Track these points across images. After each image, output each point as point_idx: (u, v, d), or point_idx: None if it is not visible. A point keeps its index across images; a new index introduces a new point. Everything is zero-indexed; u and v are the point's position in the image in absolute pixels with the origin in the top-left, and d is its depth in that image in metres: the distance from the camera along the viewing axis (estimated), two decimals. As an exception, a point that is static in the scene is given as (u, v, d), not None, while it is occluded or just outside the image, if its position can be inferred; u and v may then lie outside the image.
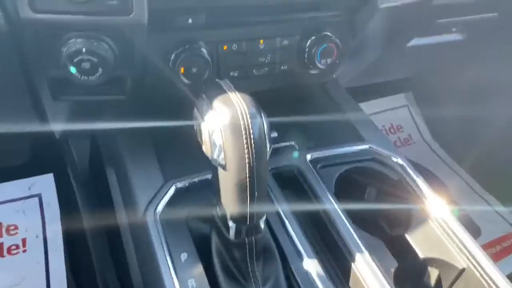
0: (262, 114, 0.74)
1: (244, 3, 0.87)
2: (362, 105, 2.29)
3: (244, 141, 0.70)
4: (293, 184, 0.99)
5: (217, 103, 0.73)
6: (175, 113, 1.02)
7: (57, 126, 1.20)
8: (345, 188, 1.01)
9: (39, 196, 1.79)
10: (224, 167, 0.72)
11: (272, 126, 1.07)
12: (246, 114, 0.71)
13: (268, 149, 0.74)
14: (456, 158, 2.28)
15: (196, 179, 0.93)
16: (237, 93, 0.74)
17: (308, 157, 1.02)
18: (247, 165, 0.71)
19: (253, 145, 0.70)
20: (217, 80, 0.79)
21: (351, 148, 1.06)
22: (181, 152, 0.96)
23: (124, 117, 1.11)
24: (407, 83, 2.37)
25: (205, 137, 0.73)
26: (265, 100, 1.09)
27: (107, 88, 0.95)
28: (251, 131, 0.70)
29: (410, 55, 1.49)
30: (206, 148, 0.74)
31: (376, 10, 0.98)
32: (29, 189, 1.80)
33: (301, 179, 0.98)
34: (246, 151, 0.70)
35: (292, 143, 1.06)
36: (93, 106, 1.09)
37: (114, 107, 1.07)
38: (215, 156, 0.73)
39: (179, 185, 0.93)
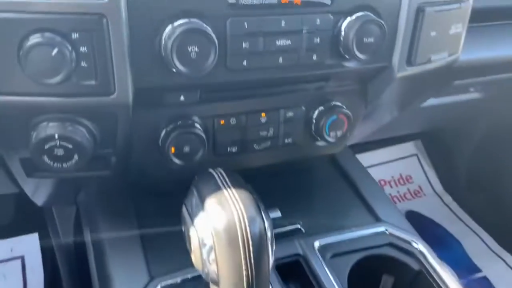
0: (264, 215, 0.62)
1: (244, 80, 0.76)
2: (369, 154, 2.21)
3: (242, 253, 0.58)
4: (299, 277, 0.86)
5: (210, 203, 0.61)
6: (166, 192, 0.91)
7: (36, 198, 1.08)
8: (359, 280, 0.88)
9: (22, 259, 1.65)
10: (216, 283, 0.60)
11: (274, 204, 0.97)
12: (243, 218, 0.59)
13: (271, 260, 0.62)
14: (470, 212, 2.14)
15: (188, 275, 0.81)
16: (233, 189, 0.62)
17: (316, 244, 0.89)
18: (244, 283, 0.58)
19: (252, 258, 0.59)
20: (210, 170, 0.68)
21: (365, 231, 0.93)
22: (171, 240, 0.84)
23: (109, 190, 1.01)
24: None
25: (194, 246, 0.61)
26: (266, 173, 0.99)
27: (89, 164, 0.84)
28: (250, 241, 0.58)
29: (422, 113, 1.39)
30: (195, 259, 0.62)
31: (393, 79, 0.88)
32: (11, 250, 1.67)
33: (309, 271, 0.85)
34: (244, 266, 0.58)
35: (298, 225, 0.94)
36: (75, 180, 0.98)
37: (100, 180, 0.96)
38: (206, 270, 0.61)
39: (167, 282, 0.80)
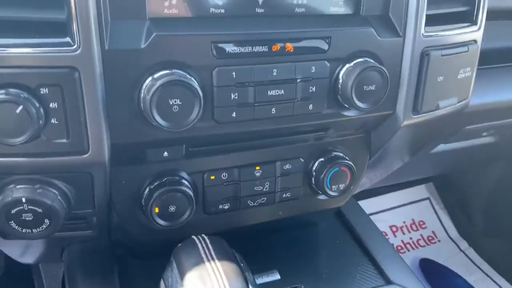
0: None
1: (234, 132, 0.70)
2: (379, 199, 2.11)
3: None
4: None
5: (190, 278, 0.53)
6: (152, 253, 0.83)
7: (20, 257, 1.01)
8: None
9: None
10: None
11: (272, 265, 0.88)
12: (228, 296, 0.51)
13: None
14: (488, 259, 2.01)
15: None
16: (216, 261, 0.55)
17: (320, 313, 0.80)
18: None
19: None
20: (193, 237, 0.60)
21: (375, 295, 0.84)
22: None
23: (94, 248, 0.93)
24: (427, 173, 2.17)
25: (172, 329, 0.53)
26: (263, 228, 0.91)
27: (70, 224, 0.77)
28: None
29: (432, 158, 1.31)
30: None
31: (398, 128, 0.81)
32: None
33: None
34: None
35: (300, 288, 0.85)
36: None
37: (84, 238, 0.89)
38: None
39: None
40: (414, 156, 1.12)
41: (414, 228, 2.13)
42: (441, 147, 1.18)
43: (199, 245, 0.57)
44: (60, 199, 0.64)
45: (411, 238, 2.09)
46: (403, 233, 2.10)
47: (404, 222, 2.12)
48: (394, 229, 2.10)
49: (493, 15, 0.89)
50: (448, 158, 1.32)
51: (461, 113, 0.93)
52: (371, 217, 2.16)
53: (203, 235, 0.60)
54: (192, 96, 0.62)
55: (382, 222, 2.06)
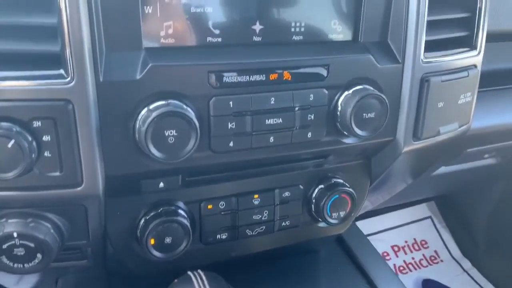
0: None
1: (231, 161, 0.68)
2: (380, 218, 2.09)
3: None
4: None
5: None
6: (148, 284, 0.81)
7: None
8: None
9: None
10: None
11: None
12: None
13: None
14: (492, 279, 1.98)
15: None
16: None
17: None
18: None
19: None
20: (188, 273, 0.58)
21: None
22: None
23: (89, 278, 0.91)
24: (428, 192, 2.14)
25: None
26: (262, 257, 0.88)
27: (64, 254, 0.75)
28: None
29: (433, 180, 1.29)
30: None
31: (399, 154, 0.80)
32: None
33: None
34: None
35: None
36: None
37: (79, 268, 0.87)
38: None
39: None
40: (416, 179, 1.11)
41: (416, 247, 2.10)
42: (442, 169, 1.16)
43: (195, 282, 0.55)
44: (53, 233, 0.62)
45: (413, 258, 2.06)
46: (405, 253, 2.07)
47: (406, 242, 2.09)
48: (396, 249, 2.07)
49: (492, 37, 0.89)
50: (449, 179, 1.30)
51: (462, 137, 0.92)
52: (372, 237, 2.14)
53: (199, 270, 0.58)
54: (188, 127, 0.60)
55: (383, 242, 2.03)
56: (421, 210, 2.21)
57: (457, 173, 1.23)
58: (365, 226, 2.01)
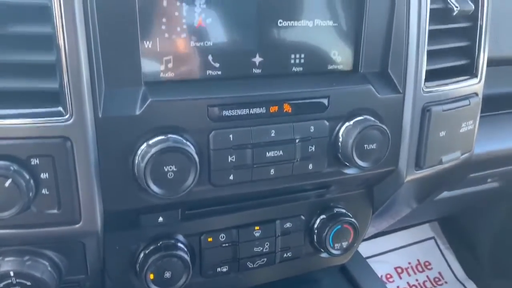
0: None
1: (231, 194, 0.68)
2: (383, 239, 2.06)
3: None
4: None
5: None
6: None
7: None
8: None
9: None
10: None
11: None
12: None
13: None
14: (499, 302, 1.94)
15: None
16: None
17: None
18: None
19: None
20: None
21: None
22: None
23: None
24: (431, 212, 2.12)
25: None
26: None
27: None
28: None
29: (437, 204, 1.28)
30: None
31: (401, 184, 0.79)
32: None
33: None
34: None
35: None
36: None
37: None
38: None
39: None
40: (419, 204, 1.10)
41: (420, 269, 2.07)
42: (445, 193, 1.15)
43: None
44: (50, 270, 0.61)
45: (417, 280, 2.03)
46: (409, 275, 2.04)
47: (409, 263, 2.07)
48: (399, 270, 2.04)
49: (493, 62, 0.88)
50: (452, 202, 1.29)
51: (465, 163, 0.91)
52: (375, 258, 2.11)
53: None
54: (188, 162, 0.60)
55: (386, 264, 2.00)
56: (424, 230, 2.18)
57: (460, 196, 1.22)
58: (368, 247, 1.99)
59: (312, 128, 0.69)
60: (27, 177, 0.54)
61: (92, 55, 0.57)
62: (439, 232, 2.18)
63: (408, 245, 2.11)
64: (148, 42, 0.62)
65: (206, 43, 0.65)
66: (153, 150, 0.58)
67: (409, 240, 2.13)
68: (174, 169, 0.59)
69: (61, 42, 0.54)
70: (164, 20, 0.62)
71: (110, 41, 0.58)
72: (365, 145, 0.69)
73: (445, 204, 1.32)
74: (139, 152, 0.60)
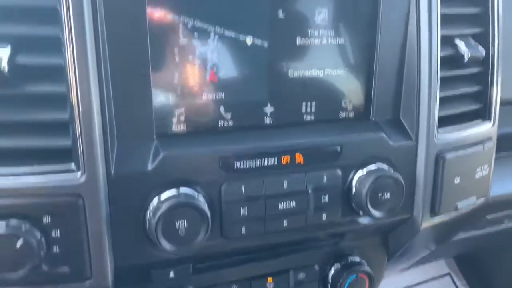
0: None
1: (244, 247, 0.66)
2: (398, 276, 2.01)
3: None
4: None
5: None
6: None
7: None
8: None
9: None
10: None
11: None
12: None
13: None
14: None
15: None
16: None
17: None
18: None
19: None
20: None
21: None
22: None
23: None
24: (446, 248, 2.07)
25: None
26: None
27: None
28: None
29: (453, 244, 1.24)
30: None
31: (416, 231, 0.77)
32: None
33: None
34: None
35: None
36: None
37: None
38: None
39: None
40: (436, 247, 1.07)
41: (437, 307, 2.01)
42: (461, 235, 1.12)
43: None
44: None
45: (434, 319, 1.96)
46: (425, 314, 1.98)
47: (425, 302, 2.01)
48: (415, 309, 1.98)
49: (506, 103, 0.87)
50: (468, 243, 1.26)
51: (480, 207, 0.89)
52: (390, 296, 2.03)
53: None
54: (200, 217, 0.59)
55: (402, 302, 1.95)
56: (440, 266, 2.12)
57: (477, 237, 1.19)
58: (383, 284, 1.94)
59: (325, 178, 0.68)
60: (39, 236, 0.54)
61: (105, 111, 0.57)
62: (455, 268, 2.12)
63: (423, 282, 2.05)
64: (160, 96, 0.62)
65: (218, 95, 0.65)
66: (164, 206, 0.58)
67: (424, 277, 2.07)
68: (185, 224, 0.59)
69: (74, 100, 0.55)
70: (176, 74, 0.62)
71: (123, 97, 0.58)
72: (379, 194, 0.68)
73: (461, 244, 1.28)
74: (150, 207, 0.59)
